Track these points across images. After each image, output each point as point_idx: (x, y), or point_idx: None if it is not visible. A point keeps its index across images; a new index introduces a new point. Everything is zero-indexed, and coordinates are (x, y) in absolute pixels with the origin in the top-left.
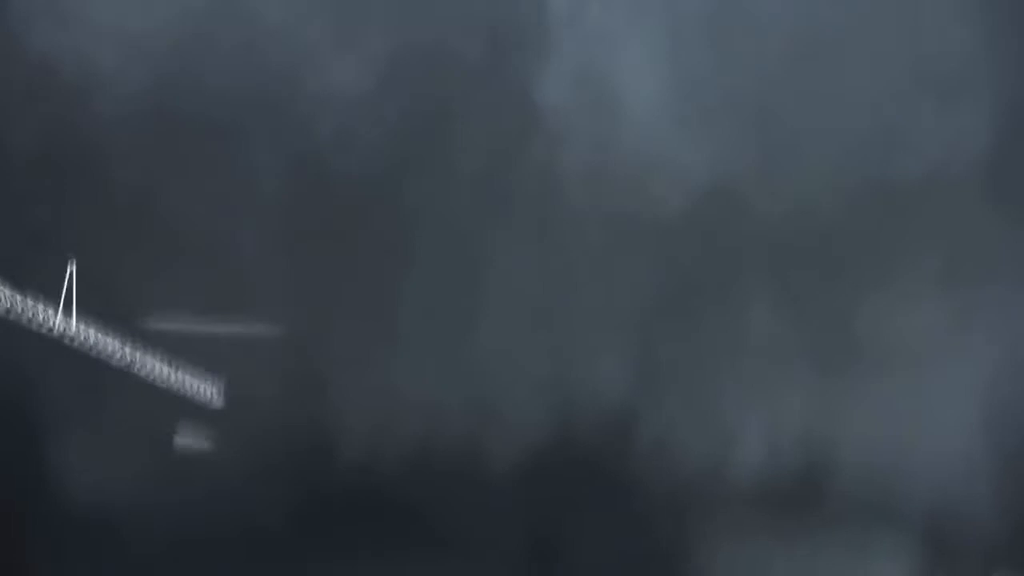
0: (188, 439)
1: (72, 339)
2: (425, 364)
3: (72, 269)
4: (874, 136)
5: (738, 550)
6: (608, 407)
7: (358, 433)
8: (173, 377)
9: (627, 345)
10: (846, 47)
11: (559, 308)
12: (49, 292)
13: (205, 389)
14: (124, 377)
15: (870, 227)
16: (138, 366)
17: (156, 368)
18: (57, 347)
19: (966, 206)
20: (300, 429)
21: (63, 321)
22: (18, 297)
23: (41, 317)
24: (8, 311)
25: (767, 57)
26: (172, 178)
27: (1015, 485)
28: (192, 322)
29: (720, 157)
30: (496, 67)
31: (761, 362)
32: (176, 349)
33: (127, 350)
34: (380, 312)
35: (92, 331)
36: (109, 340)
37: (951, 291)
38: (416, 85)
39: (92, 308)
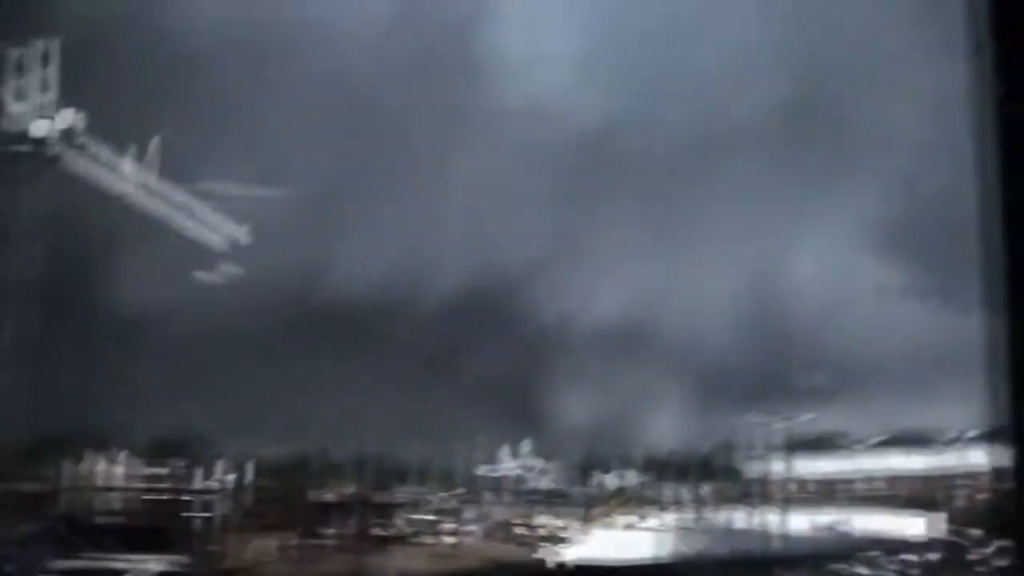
0: (213, 274)
1: (138, 190)
2: (393, 229)
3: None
4: (711, 95)
5: (578, 376)
6: (514, 265)
7: (342, 273)
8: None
9: (531, 225)
10: (702, 28)
11: (488, 196)
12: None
13: (231, 234)
14: (168, 222)
15: (703, 160)
16: (181, 214)
17: (197, 215)
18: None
19: (765, 145)
20: (295, 269)
21: (136, 173)
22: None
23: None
24: (96, 162)
25: (647, 33)
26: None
27: (767, 341)
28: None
29: (609, 102)
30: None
31: (622, 244)
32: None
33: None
34: (366, 194)
35: (153, 183)
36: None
37: (741, 205)
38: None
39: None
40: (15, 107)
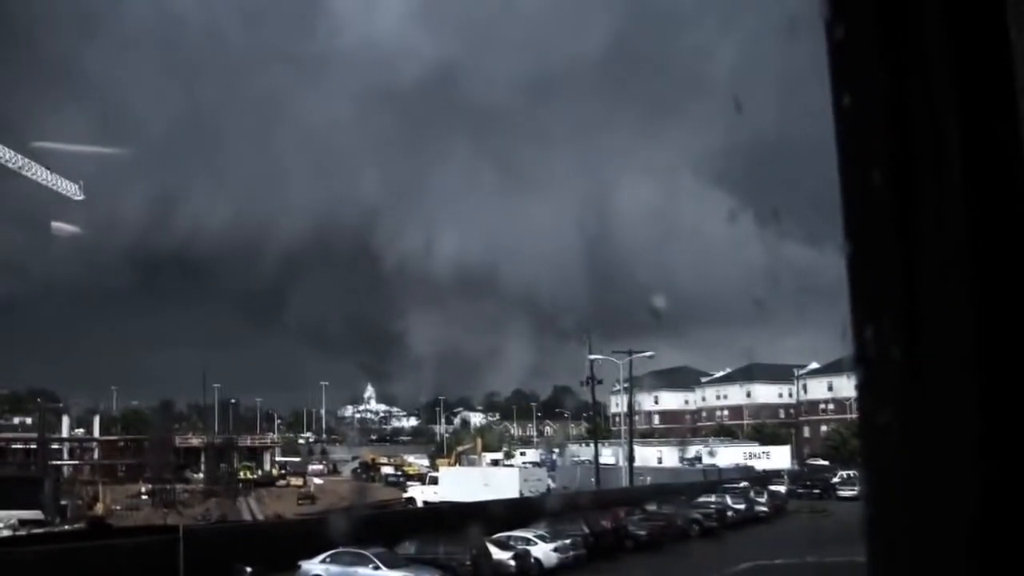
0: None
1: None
2: (234, 179)
3: None
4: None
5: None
6: (355, 210)
7: (185, 225)
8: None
9: (371, 170)
10: None
11: (333, 142)
12: None
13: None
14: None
15: (536, 101)
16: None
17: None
18: None
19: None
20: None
21: None
22: None
23: None
24: None
25: None
26: None
27: (607, 278)
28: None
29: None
30: None
31: (462, 185)
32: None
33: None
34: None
35: None
36: None
37: (574, 145)
38: None
39: None
40: None
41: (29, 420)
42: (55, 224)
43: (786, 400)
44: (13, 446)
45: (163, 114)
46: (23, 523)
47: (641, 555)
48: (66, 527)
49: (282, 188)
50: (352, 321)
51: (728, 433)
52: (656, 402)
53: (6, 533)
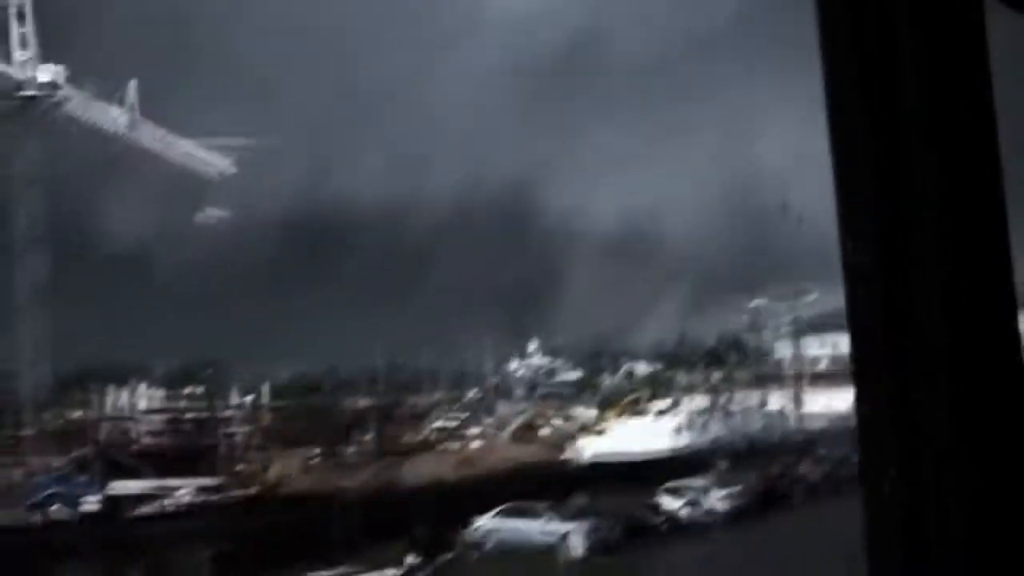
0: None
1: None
2: (386, 149)
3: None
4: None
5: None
6: (510, 174)
7: (339, 196)
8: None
9: (526, 134)
10: None
11: (479, 109)
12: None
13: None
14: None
15: (683, 62)
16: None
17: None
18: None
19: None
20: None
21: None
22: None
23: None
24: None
25: None
26: None
27: (740, 230)
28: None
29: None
30: None
31: (616, 153)
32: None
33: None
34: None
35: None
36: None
37: (721, 102)
38: None
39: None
40: (19, 54)
41: (201, 390)
42: (208, 209)
43: None
44: (186, 416)
45: (313, 90)
46: (201, 491)
47: (813, 500)
48: (240, 493)
49: (435, 156)
50: (513, 278)
51: None
52: (824, 346)
53: (187, 500)
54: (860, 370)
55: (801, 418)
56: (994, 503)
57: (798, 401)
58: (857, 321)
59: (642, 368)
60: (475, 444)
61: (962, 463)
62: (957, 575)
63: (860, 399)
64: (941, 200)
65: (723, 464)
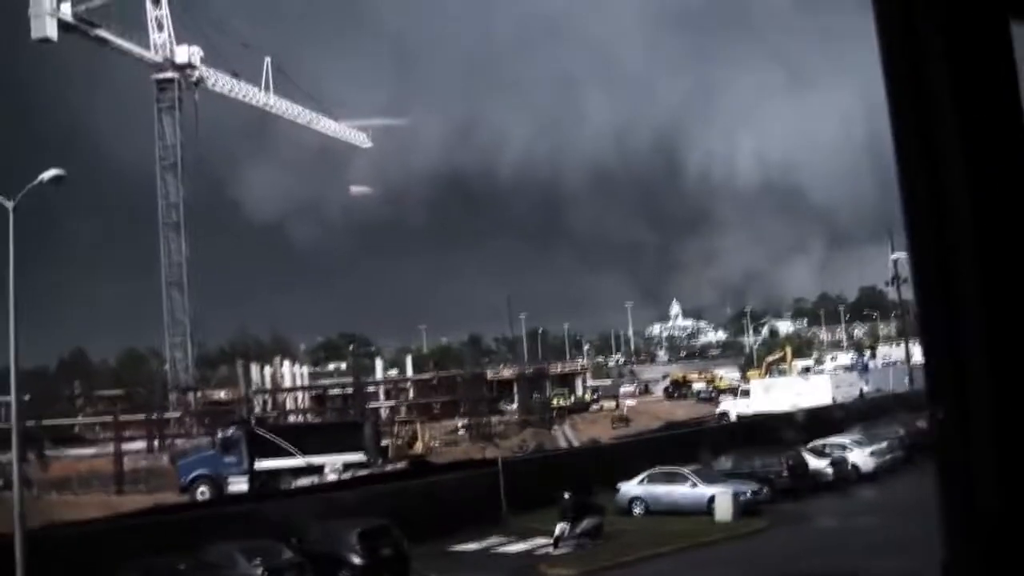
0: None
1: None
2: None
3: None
4: None
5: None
6: (655, 137)
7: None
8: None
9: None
10: None
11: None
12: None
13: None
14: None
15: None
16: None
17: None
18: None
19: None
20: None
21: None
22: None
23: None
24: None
25: None
26: None
27: (881, 181)
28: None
29: None
30: None
31: (751, 105)
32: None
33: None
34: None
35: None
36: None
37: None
38: None
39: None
40: (156, 36)
41: (344, 365)
42: (352, 188)
43: None
44: (331, 392)
45: (454, 49)
46: (347, 466)
47: None
48: (388, 467)
49: (576, 112)
50: (654, 238)
51: None
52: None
53: (333, 477)
54: (924, 344)
55: None
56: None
57: None
58: (920, 307)
59: (784, 326)
60: (620, 407)
61: (999, 414)
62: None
63: (926, 364)
64: (974, 204)
65: (869, 420)
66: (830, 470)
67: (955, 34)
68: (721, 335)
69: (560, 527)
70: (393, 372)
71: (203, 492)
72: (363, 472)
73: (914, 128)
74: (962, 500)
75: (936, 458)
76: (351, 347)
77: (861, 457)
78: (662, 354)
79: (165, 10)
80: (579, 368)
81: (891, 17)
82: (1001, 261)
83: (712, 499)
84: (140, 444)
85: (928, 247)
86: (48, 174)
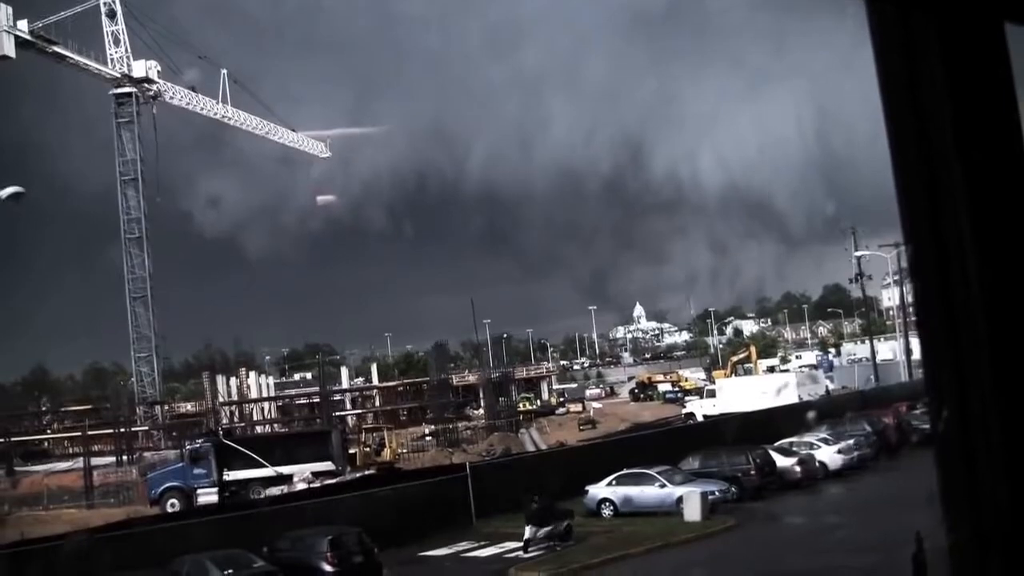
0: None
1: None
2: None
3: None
4: None
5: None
6: (616, 142)
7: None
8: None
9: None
10: None
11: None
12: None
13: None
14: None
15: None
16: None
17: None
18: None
19: None
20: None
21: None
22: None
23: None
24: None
25: None
26: None
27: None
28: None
29: None
30: None
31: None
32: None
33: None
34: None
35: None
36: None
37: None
38: None
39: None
40: (113, 51)
41: (309, 375)
42: (318, 197)
43: None
44: (297, 402)
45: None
46: (316, 475)
47: (928, 448)
48: (357, 475)
49: (538, 119)
50: (614, 243)
51: None
52: None
53: (302, 486)
54: (922, 335)
55: (911, 367)
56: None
57: (908, 350)
58: (918, 301)
59: (748, 326)
60: (587, 409)
61: (998, 405)
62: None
63: (924, 357)
64: (974, 216)
65: (835, 418)
66: (798, 468)
67: (950, 35)
68: (686, 336)
69: (529, 530)
70: (359, 380)
71: (173, 504)
72: (332, 480)
73: (910, 129)
74: (966, 491)
75: (938, 451)
76: (316, 356)
77: (828, 455)
78: (627, 356)
79: (121, 25)
80: (545, 372)
81: (886, 20)
82: (999, 260)
83: (680, 499)
84: (109, 458)
85: (927, 247)
86: (7, 191)
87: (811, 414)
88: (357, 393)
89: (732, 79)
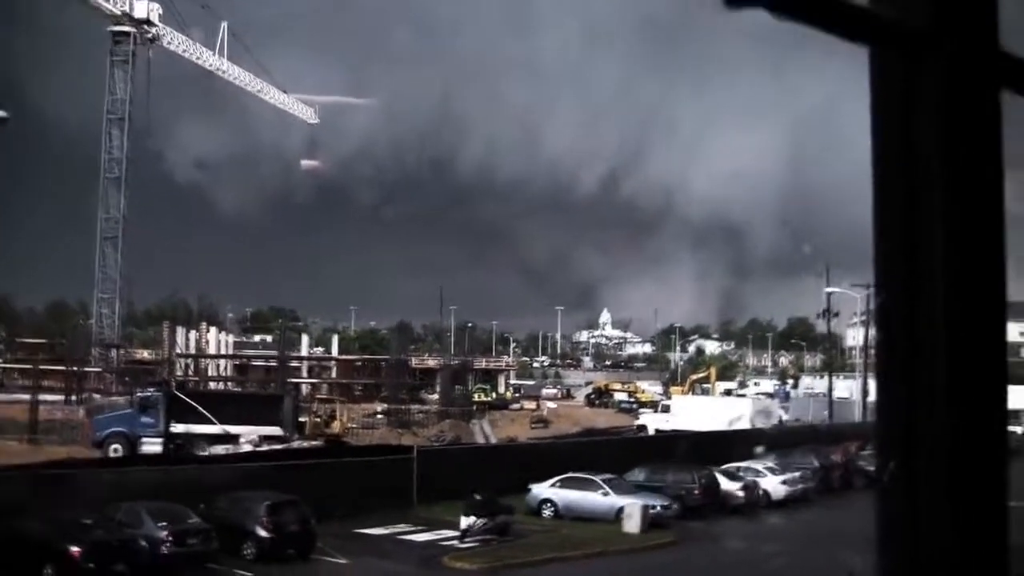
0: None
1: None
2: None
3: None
4: None
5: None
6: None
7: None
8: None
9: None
10: None
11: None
12: None
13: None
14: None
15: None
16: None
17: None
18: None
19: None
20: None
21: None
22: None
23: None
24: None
25: None
26: None
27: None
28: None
29: None
30: None
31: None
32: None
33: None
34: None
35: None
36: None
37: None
38: None
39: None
40: None
41: (270, 338)
42: (303, 162)
43: None
44: (254, 363)
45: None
46: (263, 439)
47: (872, 492)
48: (304, 443)
49: (538, 116)
50: (592, 248)
51: None
52: None
53: (247, 448)
54: (880, 383)
55: (867, 407)
56: (974, 490)
57: (865, 390)
58: (881, 346)
59: (712, 346)
60: (541, 408)
61: (950, 459)
62: (944, 550)
63: (878, 405)
64: (948, 276)
65: (785, 448)
66: (741, 493)
67: (949, 96)
68: (648, 348)
69: (467, 521)
70: (319, 350)
71: (116, 449)
72: (278, 446)
73: (898, 182)
74: (904, 540)
75: (880, 501)
76: (279, 320)
77: (773, 484)
78: (588, 360)
79: None
80: (504, 365)
81: (887, 71)
82: (967, 323)
83: (622, 509)
84: (58, 396)
85: (897, 295)
86: None
87: (759, 447)
88: (315, 362)
89: (728, 100)
